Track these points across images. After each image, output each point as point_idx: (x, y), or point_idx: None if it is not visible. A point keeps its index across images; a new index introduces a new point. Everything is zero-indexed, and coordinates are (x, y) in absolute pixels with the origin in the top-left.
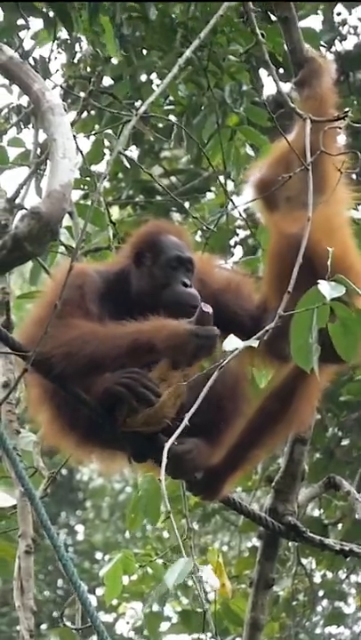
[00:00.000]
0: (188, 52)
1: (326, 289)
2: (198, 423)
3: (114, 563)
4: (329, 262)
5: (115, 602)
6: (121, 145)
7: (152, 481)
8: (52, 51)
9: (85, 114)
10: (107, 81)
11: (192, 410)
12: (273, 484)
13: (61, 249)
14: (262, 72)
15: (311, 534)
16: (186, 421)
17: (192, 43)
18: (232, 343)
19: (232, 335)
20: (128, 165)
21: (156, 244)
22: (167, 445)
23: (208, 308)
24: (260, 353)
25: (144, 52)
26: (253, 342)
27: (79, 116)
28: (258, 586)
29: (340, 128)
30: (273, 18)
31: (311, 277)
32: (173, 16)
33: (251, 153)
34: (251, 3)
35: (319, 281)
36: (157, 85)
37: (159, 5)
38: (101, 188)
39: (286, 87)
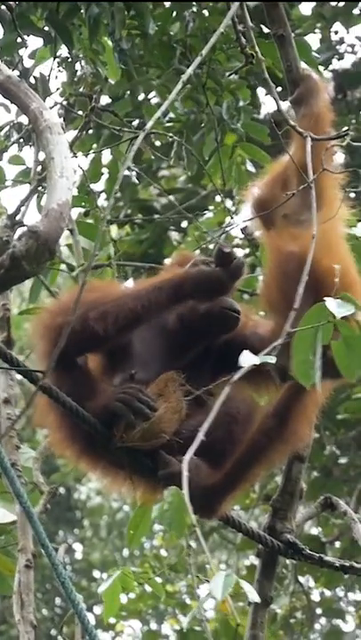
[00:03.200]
0: (191, 69)
1: (334, 307)
2: (203, 443)
3: (112, 580)
4: (334, 280)
5: (112, 620)
6: (129, 161)
7: (177, 494)
8: (52, 69)
9: (84, 132)
10: (104, 100)
11: (205, 426)
12: (271, 502)
13: (62, 266)
14: (260, 91)
15: (310, 551)
16: (200, 438)
17: (190, 60)
18: (248, 359)
19: (246, 351)
20: (137, 181)
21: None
22: (185, 460)
23: (227, 248)
24: (263, 375)
25: (143, 69)
26: (269, 358)
27: (80, 133)
28: (257, 603)
29: (339, 146)
30: (266, 31)
31: (312, 294)
32: (172, 33)
33: (252, 169)
34: (249, 19)
35: (325, 298)
36: (158, 105)
37: (158, 22)
38: (109, 207)
39: (285, 105)
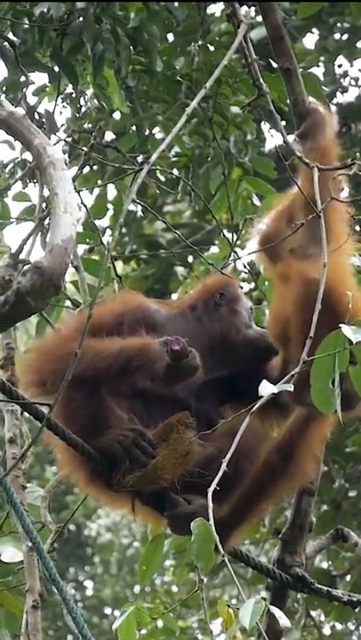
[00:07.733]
0: (195, 102)
1: (350, 332)
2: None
3: (127, 615)
4: (350, 306)
5: None
6: (133, 194)
7: (203, 525)
8: (56, 105)
9: (88, 168)
10: (109, 135)
11: (220, 471)
12: (280, 535)
13: (67, 303)
14: (264, 126)
15: (319, 585)
16: (214, 485)
17: (196, 94)
18: (266, 388)
19: (265, 380)
20: (142, 214)
21: (236, 288)
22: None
23: (177, 345)
24: (271, 406)
25: (149, 104)
26: (287, 386)
27: (80, 171)
28: (268, 637)
29: (347, 176)
30: (275, 65)
31: (332, 323)
32: (177, 67)
33: (257, 203)
34: (253, 52)
35: (341, 325)
36: (163, 139)
37: (163, 57)
38: (113, 241)
39: (290, 138)
